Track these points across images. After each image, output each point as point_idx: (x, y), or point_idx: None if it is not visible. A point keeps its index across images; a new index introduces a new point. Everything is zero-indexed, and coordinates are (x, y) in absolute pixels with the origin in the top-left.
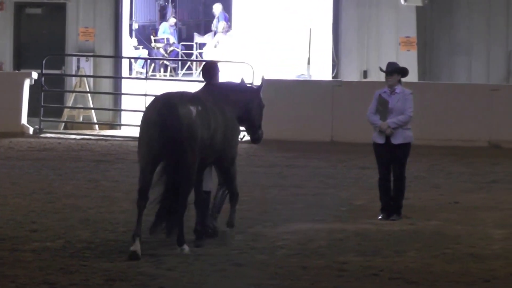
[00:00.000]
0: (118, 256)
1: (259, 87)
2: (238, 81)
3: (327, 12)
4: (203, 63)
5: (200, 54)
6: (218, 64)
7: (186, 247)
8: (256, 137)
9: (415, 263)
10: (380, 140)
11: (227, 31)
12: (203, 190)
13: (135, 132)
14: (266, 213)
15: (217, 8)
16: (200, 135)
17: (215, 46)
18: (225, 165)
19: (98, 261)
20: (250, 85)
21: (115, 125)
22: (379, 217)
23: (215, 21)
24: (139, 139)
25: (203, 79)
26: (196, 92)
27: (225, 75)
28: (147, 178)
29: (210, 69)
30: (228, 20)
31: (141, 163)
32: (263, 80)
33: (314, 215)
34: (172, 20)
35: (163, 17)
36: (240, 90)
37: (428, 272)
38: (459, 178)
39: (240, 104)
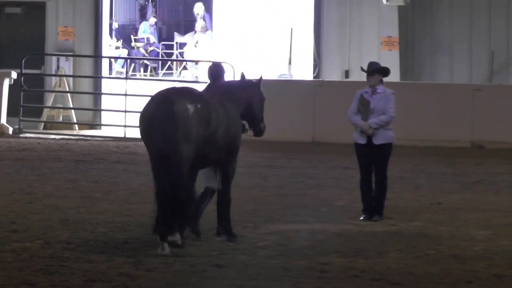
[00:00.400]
0: (98, 256)
1: (259, 81)
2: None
3: (309, 12)
4: (209, 64)
5: (181, 53)
6: (223, 65)
7: (178, 237)
8: (258, 130)
9: (397, 264)
10: (362, 141)
11: (206, 30)
12: (207, 186)
13: (115, 132)
14: (247, 214)
15: (199, 8)
16: (195, 133)
17: (195, 46)
18: (223, 161)
19: (77, 261)
20: (249, 80)
21: (95, 125)
22: (361, 218)
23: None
24: (140, 135)
25: (208, 80)
26: (202, 91)
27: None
28: None
29: (216, 70)
30: (211, 19)
31: (150, 156)
32: (242, 75)
33: (295, 215)
34: (152, 20)
35: (143, 17)
36: (241, 87)
37: (410, 273)
38: (442, 178)
39: (242, 100)
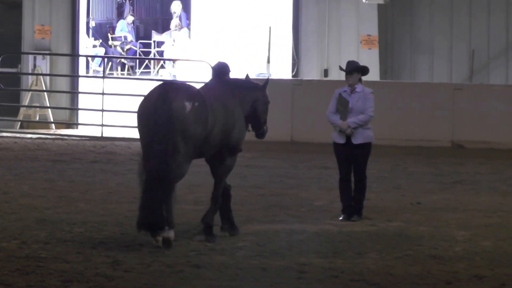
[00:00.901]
0: (75, 257)
1: (265, 84)
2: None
3: (287, 10)
4: (215, 63)
5: (158, 52)
6: (229, 64)
7: (172, 232)
8: (261, 133)
9: (377, 264)
10: (340, 140)
11: (181, 28)
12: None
13: (92, 131)
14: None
15: (176, 6)
16: (193, 130)
17: (173, 44)
18: (223, 155)
19: (54, 262)
20: (255, 82)
21: (72, 124)
22: (340, 218)
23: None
24: (138, 131)
25: (214, 78)
26: (201, 87)
27: (184, 74)
28: None
29: (221, 69)
30: (188, 18)
31: (142, 151)
32: (247, 76)
33: (274, 216)
34: (130, 18)
35: (120, 15)
36: (245, 88)
37: (390, 274)
38: (422, 178)
39: (248, 102)
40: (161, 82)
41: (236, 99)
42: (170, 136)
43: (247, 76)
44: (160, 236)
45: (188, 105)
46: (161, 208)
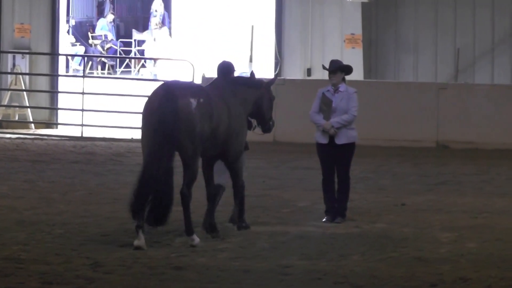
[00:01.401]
0: (55, 258)
1: (271, 82)
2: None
3: (270, 8)
4: (219, 62)
5: (139, 51)
6: (233, 63)
7: (196, 238)
8: (267, 128)
9: (360, 267)
10: (324, 140)
11: (161, 27)
12: (215, 183)
13: (72, 131)
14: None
15: (158, 5)
16: (199, 128)
17: (154, 43)
18: (228, 160)
19: (34, 263)
20: (260, 79)
21: (52, 124)
22: (323, 220)
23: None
24: (142, 129)
25: (218, 77)
26: (205, 86)
27: (165, 73)
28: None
29: (226, 68)
30: (169, 16)
31: (143, 152)
32: (252, 73)
33: (256, 217)
34: (110, 17)
35: (101, 13)
36: (249, 86)
37: (374, 276)
38: (406, 179)
39: (251, 99)
40: (162, 82)
41: (238, 98)
42: (176, 134)
43: (252, 73)
44: (143, 235)
45: (193, 102)
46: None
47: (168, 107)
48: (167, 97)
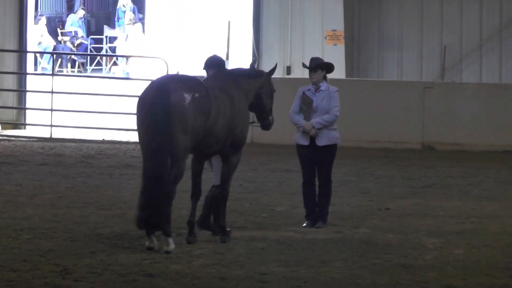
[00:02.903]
0: (22, 265)
1: (271, 72)
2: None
3: (247, 3)
4: (207, 56)
5: (111, 48)
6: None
7: (171, 243)
8: (266, 123)
9: (342, 274)
10: (304, 142)
11: (135, 22)
12: (215, 184)
13: (41, 132)
14: (182, 219)
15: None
16: (193, 123)
17: (126, 40)
18: (226, 152)
19: (0, 270)
20: (260, 70)
21: (19, 124)
22: (304, 225)
23: (120, 12)
24: (136, 125)
25: (205, 71)
26: (205, 79)
27: (138, 71)
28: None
29: (214, 62)
30: (139, 11)
31: (141, 149)
32: (253, 64)
33: (233, 222)
34: (81, 12)
35: (70, 9)
36: (250, 76)
37: (356, 284)
38: (390, 182)
39: (252, 90)
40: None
41: (241, 90)
42: (167, 129)
43: (251, 63)
44: (155, 237)
45: (187, 97)
46: (160, 207)
47: (160, 102)
48: (160, 92)
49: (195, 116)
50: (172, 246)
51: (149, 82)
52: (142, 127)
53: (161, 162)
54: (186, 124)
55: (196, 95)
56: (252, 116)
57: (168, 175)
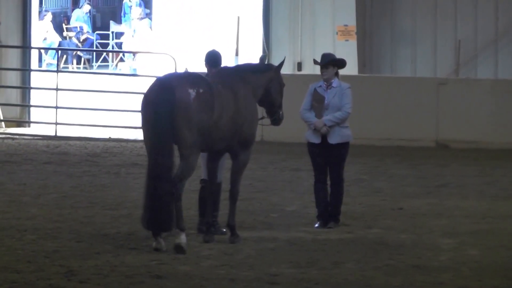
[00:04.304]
0: (26, 266)
1: (279, 66)
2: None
3: None
4: (207, 51)
5: (117, 44)
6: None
7: (183, 238)
8: (275, 119)
9: (354, 275)
10: (315, 140)
11: (143, 18)
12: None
13: (45, 130)
14: (190, 219)
15: None
16: (198, 118)
17: (133, 35)
18: (236, 150)
19: (3, 271)
20: (269, 63)
21: (23, 122)
22: (315, 225)
23: (126, 7)
24: (141, 122)
25: (205, 66)
26: (210, 75)
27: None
28: None
29: (213, 57)
30: (145, 6)
31: (146, 148)
32: (262, 58)
33: (242, 222)
34: (86, 7)
35: (76, 4)
36: (258, 71)
37: (369, 286)
38: (403, 181)
39: (260, 85)
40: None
41: (247, 86)
42: (172, 126)
43: (261, 58)
44: (161, 238)
45: (192, 92)
46: (164, 206)
47: (164, 98)
48: (163, 88)
49: (200, 112)
50: (184, 240)
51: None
52: (147, 124)
53: (163, 160)
54: (191, 120)
55: (200, 90)
56: (262, 111)
57: (172, 173)
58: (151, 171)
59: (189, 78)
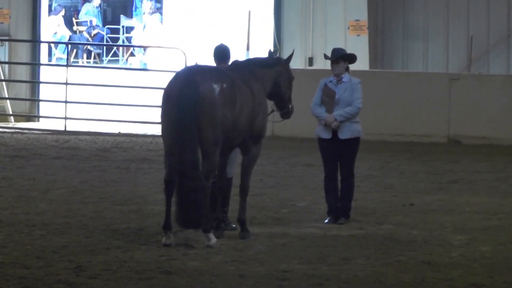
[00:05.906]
0: (35, 262)
1: (288, 59)
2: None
3: None
4: (215, 45)
5: (128, 38)
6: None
7: (212, 238)
8: (285, 112)
9: (365, 271)
10: (326, 135)
11: (154, 12)
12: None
13: (55, 124)
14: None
15: None
16: (222, 114)
17: (143, 30)
18: (247, 145)
19: (12, 267)
20: (278, 57)
21: (33, 116)
22: (326, 221)
23: (137, 1)
24: (161, 117)
25: (214, 61)
26: (226, 69)
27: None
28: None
29: (222, 51)
30: (157, 0)
31: (164, 144)
32: (270, 52)
33: (253, 217)
34: (97, 1)
35: None
36: (268, 64)
37: (379, 282)
38: (415, 177)
39: (270, 78)
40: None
41: (258, 80)
42: (195, 122)
43: (269, 53)
44: (172, 233)
45: (216, 88)
46: (194, 205)
47: (188, 93)
48: (187, 82)
49: (224, 108)
50: (213, 241)
51: (167, 73)
52: (169, 120)
53: (185, 158)
54: (215, 116)
55: (224, 85)
56: (271, 104)
57: (198, 170)
58: (173, 167)
59: (212, 72)
